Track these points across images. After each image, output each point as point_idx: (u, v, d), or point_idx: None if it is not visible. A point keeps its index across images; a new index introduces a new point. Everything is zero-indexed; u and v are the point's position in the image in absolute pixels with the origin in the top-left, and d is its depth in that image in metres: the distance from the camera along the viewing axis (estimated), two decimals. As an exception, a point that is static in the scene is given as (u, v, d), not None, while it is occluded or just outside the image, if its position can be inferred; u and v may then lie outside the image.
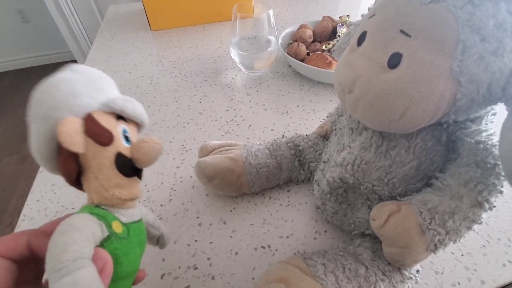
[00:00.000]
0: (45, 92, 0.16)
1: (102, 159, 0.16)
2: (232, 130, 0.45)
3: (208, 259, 0.30)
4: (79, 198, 0.36)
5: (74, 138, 0.15)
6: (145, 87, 0.55)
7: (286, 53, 0.54)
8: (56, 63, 2.20)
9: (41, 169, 0.39)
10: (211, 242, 0.31)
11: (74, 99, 0.16)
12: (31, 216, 0.34)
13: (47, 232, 0.17)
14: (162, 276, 0.29)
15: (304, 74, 0.55)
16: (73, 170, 0.16)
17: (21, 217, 0.34)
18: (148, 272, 0.29)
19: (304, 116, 0.48)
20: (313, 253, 0.26)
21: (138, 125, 0.20)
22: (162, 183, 0.38)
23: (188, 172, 0.39)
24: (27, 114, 0.16)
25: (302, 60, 0.54)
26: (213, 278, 0.29)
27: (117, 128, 0.17)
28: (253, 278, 0.29)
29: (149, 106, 0.50)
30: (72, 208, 0.35)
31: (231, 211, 0.34)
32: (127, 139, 0.18)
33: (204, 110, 0.49)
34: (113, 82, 0.20)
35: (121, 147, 0.17)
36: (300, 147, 0.34)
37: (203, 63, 0.61)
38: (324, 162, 0.28)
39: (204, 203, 0.35)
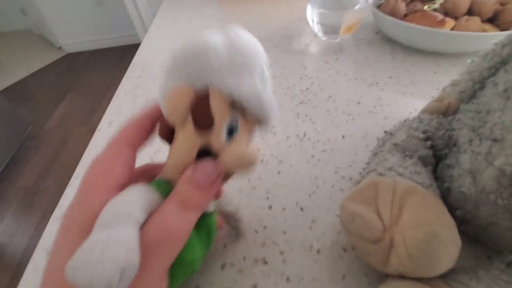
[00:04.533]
0: (192, 59, 0.14)
1: (188, 142, 0.15)
2: (308, 100, 0.37)
3: (281, 253, 0.23)
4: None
5: (176, 114, 0.14)
6: (208, 51, 0.49)
7: (379, 11, 0.44)
8: (125, 45, 2.35)
9: (99, 127, 0.36)
10: (284, 232, 0.24)
11: (211, 74, 0.14)
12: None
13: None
14: (223, 267, 0.22)
15: (402, 39, 0.44)
16: (164, 133, 0.16)
17: (74, 175, 0.31)
18: (206, 260, 0.23)
19: (400, 89, 0.38)
20: (459, 272, 0.17)
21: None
22: (224, 153, 0.31)
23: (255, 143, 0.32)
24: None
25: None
26: (288, 280, 0.22)
27: (225, 118, 0.15)
28: (344, 289, 0.21)
29: (212, 71, 0.44)
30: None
31: (310, 195, 0.27)
32: (231, 132, 0.15)
33: (274, 77, 0.42)
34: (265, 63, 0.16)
35: (213, 140, 0.15)
36: (429, 133, 0.24)
37: (272, 29, 0.54)
38: (495, 140, 0.17)
39: (275, 182, 0.28)
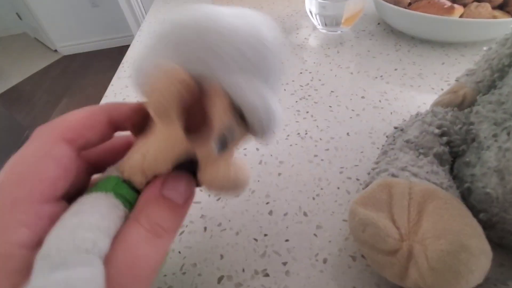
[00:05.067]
0: (197, 34, 0.11)
1: (168, 146, 0.11)
2: (309, 96, 0.35)
3: (284, 264, 0.21)
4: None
5: (162, 102, 0.11)
6: (202, 47, 0.47)
7: (382, 0, 0.41)
8: (121, 46, 2.33)
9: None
10: (287, 240, 0.22)
11: (217, 66, 0.11)
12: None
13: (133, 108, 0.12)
14: (219, 280, 0.20)
15: (407, 29, 0.41)
16: (136, 120, 0.12)
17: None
18: (201, 272, 0.21)
19: (406, 82, 0.35)
20: (485, 286, 0.15)
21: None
22: (220, 155, 0.29)
23: (254, 143, 0.30)
24: (162, 30, 0.12)
25: (403, 10, 0.40)
26: (291, 293, 0.19)
27: (223, 125, 0.12)
28: (355, 304, 0.19)
29: (206, 67, 0.42)
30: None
31: (313, 198, 0.24)
32: (223, 144, 0.12)
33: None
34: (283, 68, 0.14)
35: (201, 150, 0.12)
36: (445, 128, 0.22)
37: (269, 23, 0.52)
38: None
39: (276, 184, 0.26)
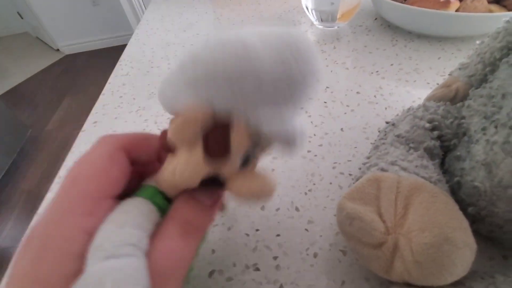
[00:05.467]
0: (224, 74, 0.11)
1: (193, 168, 0.12)
2: (304, 91, 0.35)
3: (275, 258, 0.21)
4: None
5: (183, 140, 0.12)
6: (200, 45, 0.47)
7: (378, -5, 0.41)
8: (123, 44, 2.34)
9: (84, 128, 0.34)
10: (278, 235, 0.22)
11: (243, 101, 0.11)
12: (67, 178, 0.29)
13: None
14: (210, 274, 0.20)
15: (404, 24, 0.41)
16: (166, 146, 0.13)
17: (56, 179, 0.29)
18: (191, 267, 0.21)
19: (402, 77, 0.35)
20: (472, 278, 0.15)
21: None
22: (214, 151, 0.29)
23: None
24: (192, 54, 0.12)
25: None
26: (281, 287, 0.20)
27: (243, 149, 0.12)
28: (344, 298, 0.19)
29: (203, 64, 0.42)
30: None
31: (306, 193, 0.25)
32: (246, 160, 0.13)
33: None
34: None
35: (224, 169, 0.13)
36: (436, 123, 0.22)
37: (266, 19, 0.51)
38: None
39: (268, 180, 0.26)
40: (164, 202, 0.13)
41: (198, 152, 0.12)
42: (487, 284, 0.15)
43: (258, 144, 0.13)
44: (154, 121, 0.33)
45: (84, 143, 0.32)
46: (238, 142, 0.12)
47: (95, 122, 0.35)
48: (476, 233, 0.15)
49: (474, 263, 0.15)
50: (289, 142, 0.12)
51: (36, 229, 0.11)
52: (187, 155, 0.12)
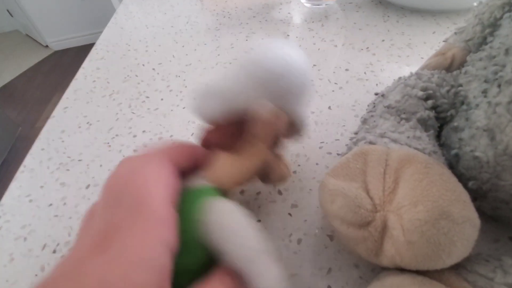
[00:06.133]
0: (280, 79, 0.15)
1: (258, 160, 0.16)
2: (290, 70, 0.33)
3: (254, 246, 0.19)
4: (88, 148, 0.27)
5: (271, 135, 0.16)
6: (180, 26, 0.44)
7: (367, -32, 0.38)
8: (112, 40, 2.28)
9: (54, 114, 0.32)
10: (259, 220, 0.20)
11: (289, 98, 0.16)
12: (32, 167, 0.26)
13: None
14: (181, 266, 0.18)
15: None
16: (226, 138, 0.16)
17: (21, 168, 0.27)
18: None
19: (394, 52, 0.33)
20: (476, 261, 0.13)
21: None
22: (192, 133, 0.27)
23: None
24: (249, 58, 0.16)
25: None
26: (261, 277, 0.17)
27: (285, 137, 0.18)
28: (329, 287, 0.17)
29: (183, 46, 0.39)
30: (79, 160, 0.26)
31: (294, 172, 0.22)
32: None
33: (252, 49, 0.37)
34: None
35: (271, 158, 0.17)
36: (430, 91, 0.19)
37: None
38: None
39: (249, 162, 0.24)
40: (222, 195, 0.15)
41: (265, 146, 0.16)
42: (493, 267, 0.12)
43: (290, 133, 0.18)
44: (128, 104, 0.31)
45: (53, 129, 0.30)
46: (284, 132, 0.17)
47: (66, 107, 0.32)
48: (479, 211, 0.13)
49: (478, 245, 0.13)
50: (304, 127, 0.18)
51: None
52: (255, 149, 0.16)
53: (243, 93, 0.15)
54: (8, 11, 2.44)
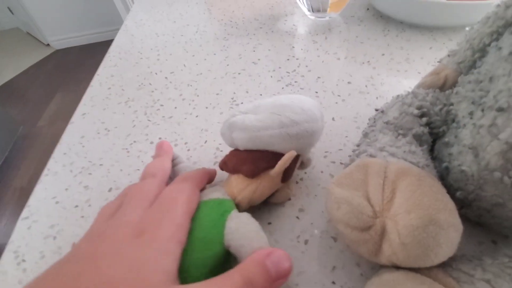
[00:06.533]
0: (306, 134, 0.20)
1: (272, 187, 0.21)
2: (295, 82, 0.35)
3: (265, 246, 0.21)
4: (107, 153, 0.29)
5: (281, 170, 0.19)
6: (190, 35, 0.46)
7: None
8: (113, 39, 2.30)
9: (72, 119, 0.34)
10: (269, 223, 0.22)
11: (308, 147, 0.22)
12: (55, 171, 0.28)
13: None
14: (201, 263, 0.20)
15: (396, 13, 0.41)
16: (256, 170, 0.20)
17: (45, 171, 0.29)
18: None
19: (393, 67, 0.35)
20: (461, 260, 0.15)
21: None
22: (206, 141, 0.29)
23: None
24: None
25: (391, -6, 0.40)
26: (272, 274, 0.20)
27: (293, 171, 0.22)
28: (333, 283, 0.19)
29: (193, 56, 0.41)
30: (100, 165, 0.28)
31: (297, 182, 0.25)
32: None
33: (259, 59, 0.39)
34: None
35: (281, 186, 0.22)
36: (425, 109, 0.22)
37: (258, 10, 0.51)
38: (501, 109, 0.15)
39: (259, 169, 0.26)
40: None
41: (279, 177, 0.20)
42: (474, 265, 0.15)
43: (299, 167, 0.23)
44: (143, 112, 0.33)
45: (73, 134, 0.32)
46: (296, 168, 0.22)
47: (84, 114, 0.34)
48: (465, 218, 0.15)
49: (464, 248, 0.15)
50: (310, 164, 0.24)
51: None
52: (272, 179, 0.20)
53: (278, 143, 0.19)
54: (8, 8, 2.45)
